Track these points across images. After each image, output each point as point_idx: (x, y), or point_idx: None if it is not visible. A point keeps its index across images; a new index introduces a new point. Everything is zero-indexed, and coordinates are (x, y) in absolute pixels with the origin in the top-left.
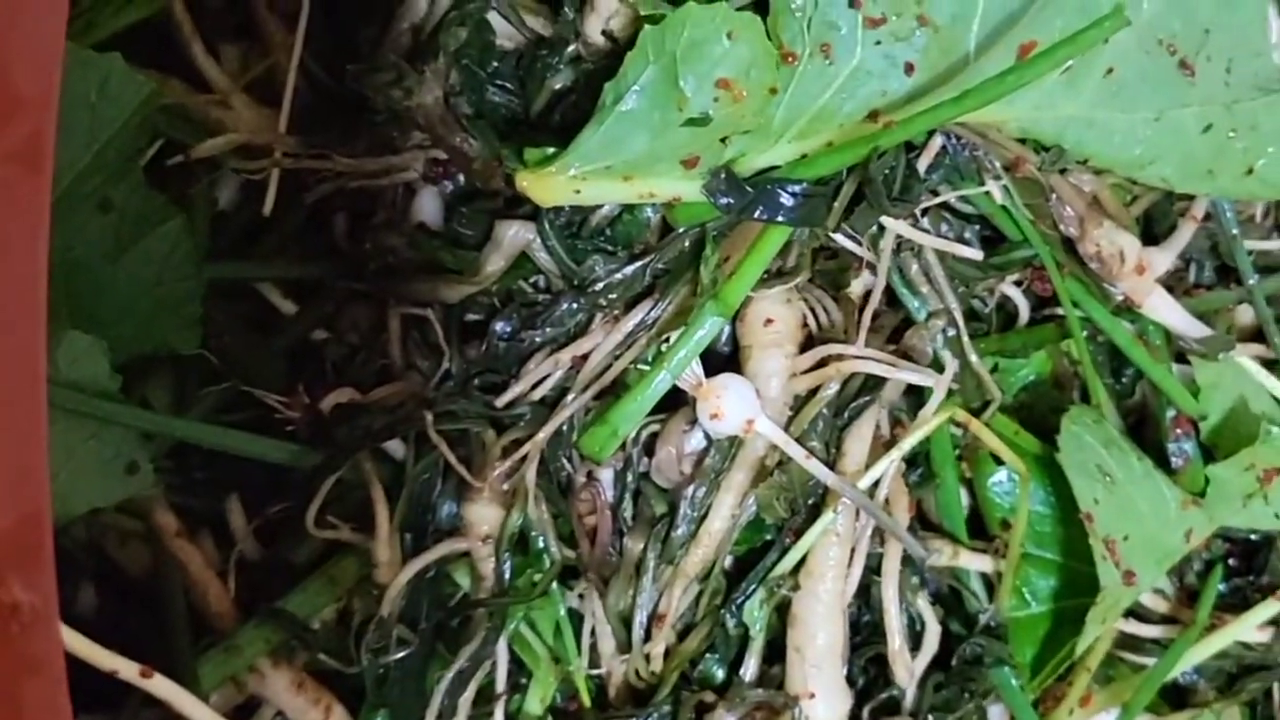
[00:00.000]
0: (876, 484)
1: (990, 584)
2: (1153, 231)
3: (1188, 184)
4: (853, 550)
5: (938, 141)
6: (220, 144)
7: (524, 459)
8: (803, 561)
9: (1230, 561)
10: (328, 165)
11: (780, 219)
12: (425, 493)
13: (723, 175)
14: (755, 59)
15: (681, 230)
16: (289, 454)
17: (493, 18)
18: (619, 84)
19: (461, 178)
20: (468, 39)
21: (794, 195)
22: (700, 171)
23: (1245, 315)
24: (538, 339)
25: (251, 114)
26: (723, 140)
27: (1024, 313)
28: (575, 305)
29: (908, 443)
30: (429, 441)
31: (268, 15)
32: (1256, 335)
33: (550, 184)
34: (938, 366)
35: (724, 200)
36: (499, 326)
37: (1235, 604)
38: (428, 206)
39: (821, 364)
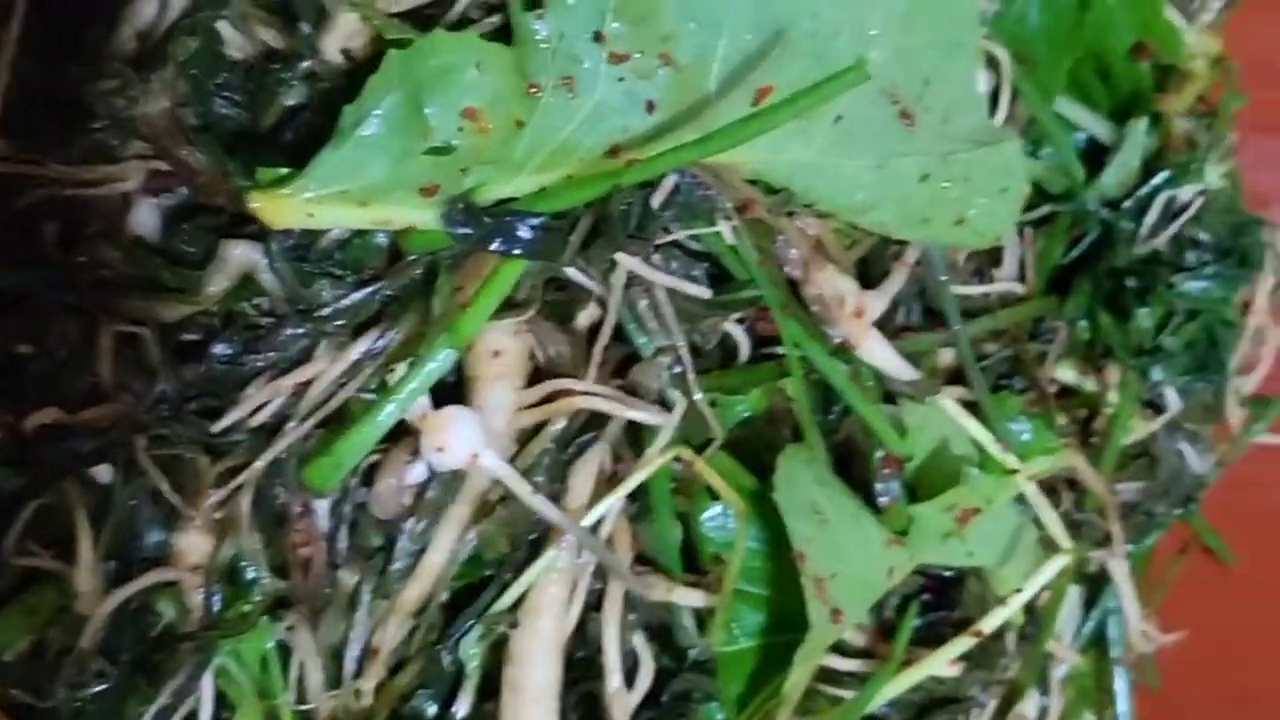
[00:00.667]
0: (600, 521)
1: (701, 619)
2: (868, 275)
3: (905, 230)
4: (573, 588)
5: (671, 180)
6: None
7: (239, 488)
8: (523, 598)
9: (925, 597)
10: (40, 171)
11: (517, 252)
12: (133, 520)
13: (461, 205)
14: (503, 90)
15: (414, 258)
16: None
17: (223, 27)
18: (359, 108)
19: (184, 192)
20: (197, 48)
21: (532, 228)
22: (439, 200)
23: (947, 357)
24: (259, 364)
25: None
26: (463, 170)
27: (744, 350)
28: (300, 330)
29: (633, 480)
30: (139, 466)
31: None
32: (958, 378)
33: (283, 206)
34: (663, 402)
35: (461, 230)
36: (218, 349)
37: (929, 639)
38: (146, 220)
39: (549, 398)
